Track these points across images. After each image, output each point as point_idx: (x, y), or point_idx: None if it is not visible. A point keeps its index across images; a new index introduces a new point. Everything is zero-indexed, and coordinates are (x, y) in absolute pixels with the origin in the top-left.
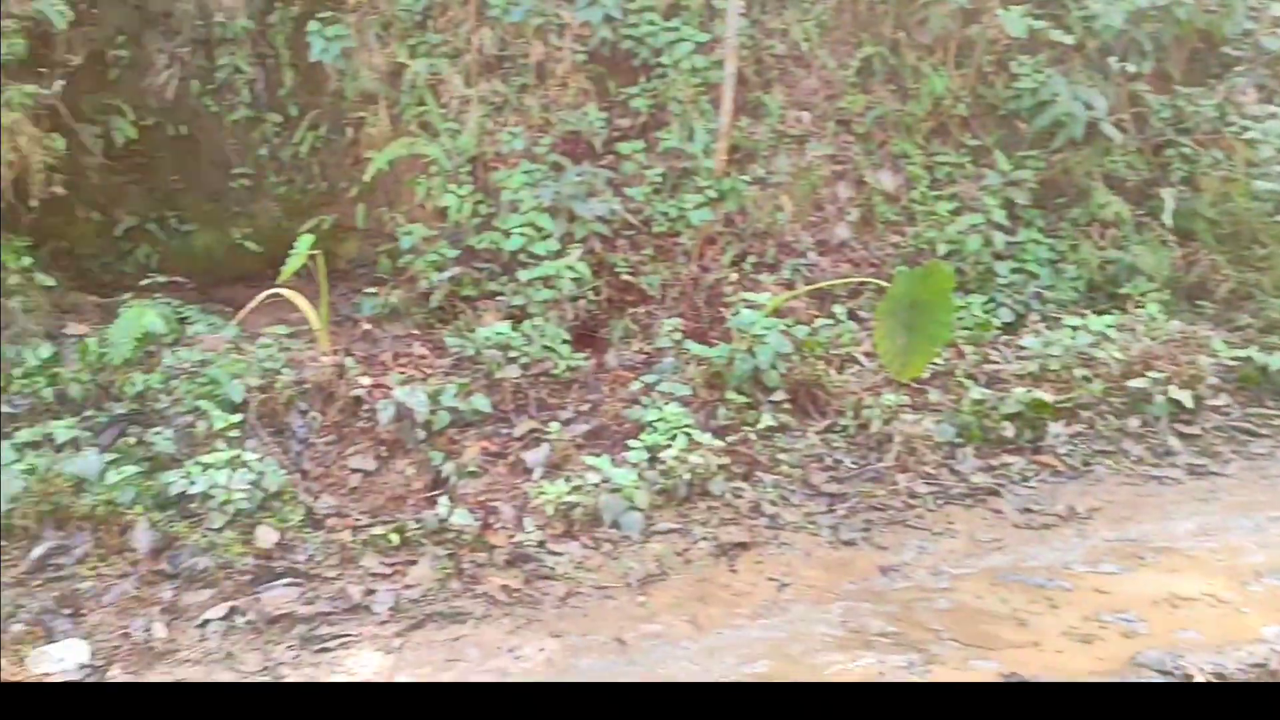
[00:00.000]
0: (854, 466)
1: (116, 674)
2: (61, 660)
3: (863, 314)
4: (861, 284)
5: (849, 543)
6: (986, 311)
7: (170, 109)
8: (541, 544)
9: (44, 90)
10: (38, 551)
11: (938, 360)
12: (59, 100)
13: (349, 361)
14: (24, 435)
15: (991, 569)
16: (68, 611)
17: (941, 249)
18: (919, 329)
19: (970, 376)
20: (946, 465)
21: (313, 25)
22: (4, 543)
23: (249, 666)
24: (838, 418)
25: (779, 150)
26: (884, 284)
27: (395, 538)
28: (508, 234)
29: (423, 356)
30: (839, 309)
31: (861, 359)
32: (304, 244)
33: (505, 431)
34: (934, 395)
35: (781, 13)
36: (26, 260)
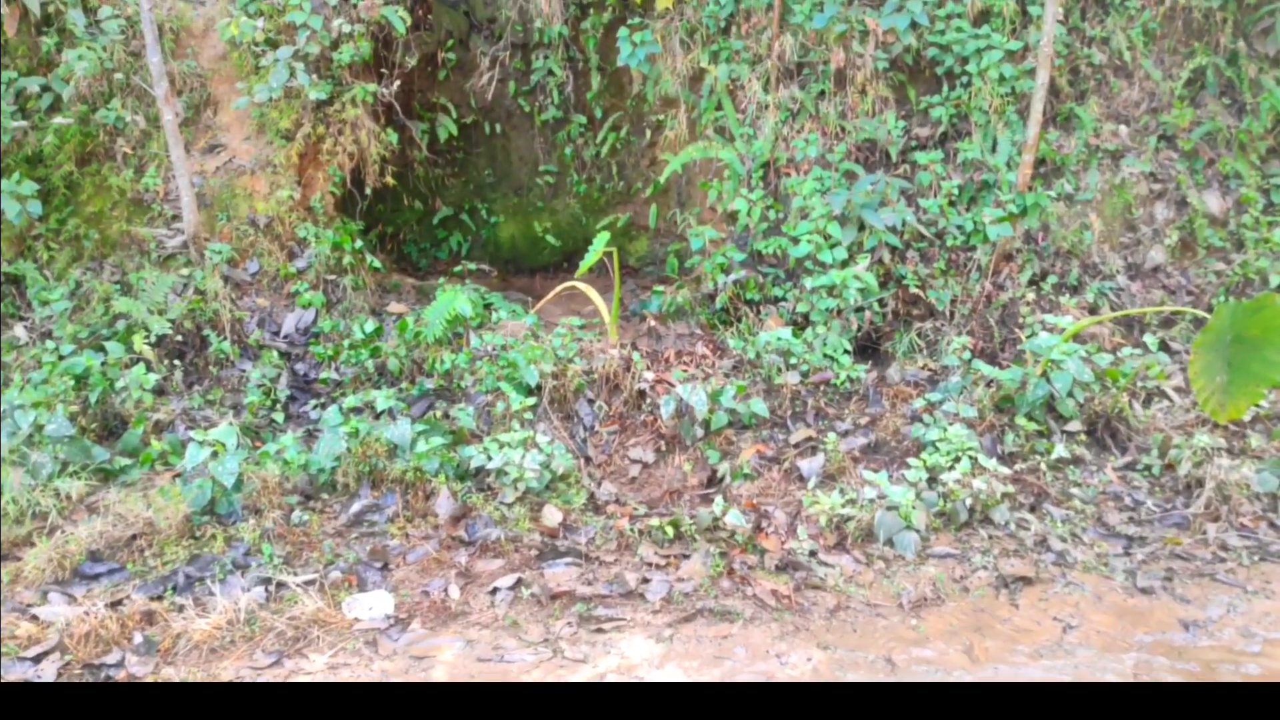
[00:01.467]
0: (1156, 509)
1: (416, 628)
2: (371, 609)
3: (1175, 346)
4: (1176, 313)
5: (1146, 590)
6: None
7: (488, 108)
8: (813, 553)
9: (384, 90)
10: (355, 507)
11: (1262, 402)
12: (394, 99)
13: (635, 356)
14: (350, 401)
15: None
16: (378, 565)
17: (1274, 280)
18: (1243, 367)
19: None
20: (1266, 519)
21: (622, 31)
22: (326, 496)
23: (532, 636)
24: (1140, 455)
25: (1090, 165)
26: (1203, 315)
27: (670, 530)
28: (795, 240)
29: (704, 356)
30: (1149, 339)
31: (1171, 394)
32: (601, 241)
33: (781, 437)
34: (1255, 440)
35: (1103, 20)
36: (359, 243)
